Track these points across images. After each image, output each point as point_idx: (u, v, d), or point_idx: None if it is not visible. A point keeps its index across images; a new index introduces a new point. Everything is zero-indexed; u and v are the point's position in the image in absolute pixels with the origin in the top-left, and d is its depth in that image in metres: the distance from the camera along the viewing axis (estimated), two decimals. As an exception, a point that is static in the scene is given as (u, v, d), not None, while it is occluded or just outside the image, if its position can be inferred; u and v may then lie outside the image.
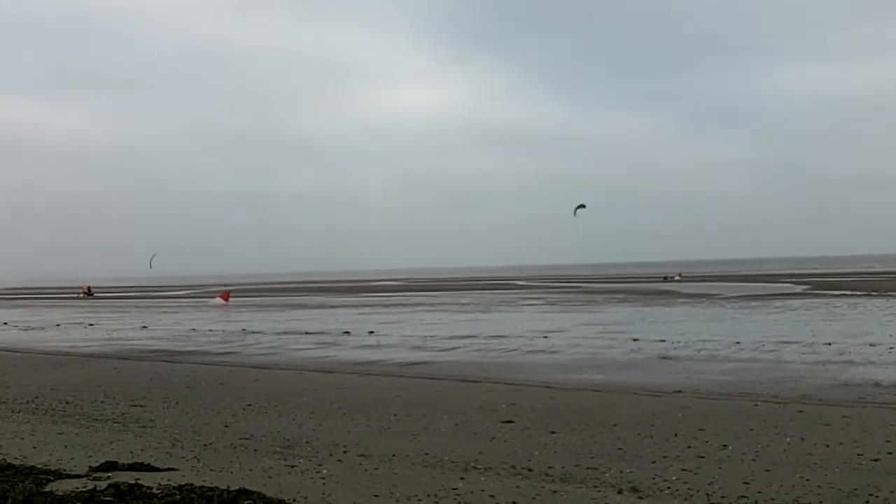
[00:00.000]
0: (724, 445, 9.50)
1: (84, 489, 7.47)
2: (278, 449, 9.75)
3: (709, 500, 7.28)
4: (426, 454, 9.35)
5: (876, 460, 8.63)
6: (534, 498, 7.40)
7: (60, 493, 7.30)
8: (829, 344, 21.81)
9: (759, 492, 7.47)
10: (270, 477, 8.24)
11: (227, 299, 61.52)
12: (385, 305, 53.18)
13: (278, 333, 30.46)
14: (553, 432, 10.50)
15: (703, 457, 8.95)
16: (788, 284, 71.73)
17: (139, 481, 7.73)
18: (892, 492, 7.40)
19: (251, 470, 8.60)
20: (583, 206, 60.29)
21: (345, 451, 9.54)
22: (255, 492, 7.37)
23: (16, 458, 9.05)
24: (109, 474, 8.21)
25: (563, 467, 8.58)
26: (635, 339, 24.34)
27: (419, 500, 7.34)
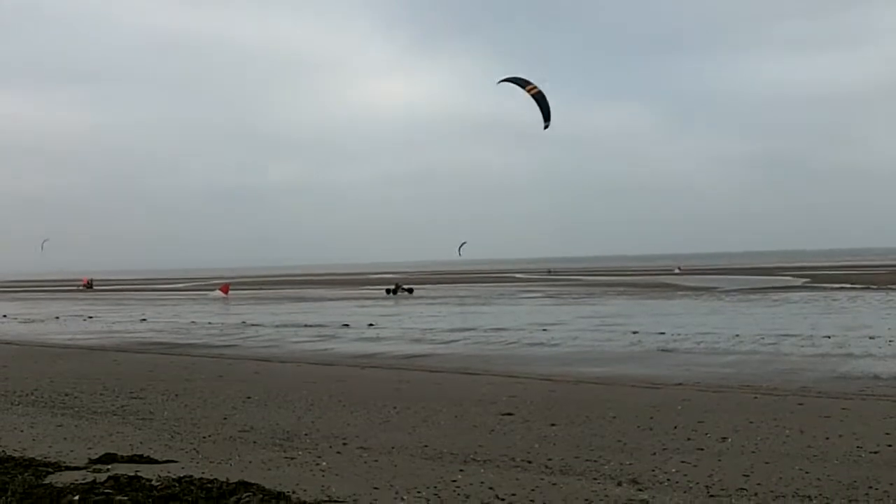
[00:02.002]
0: (724, 438, 9.50)
1: (84, 481, 7.46)
2: (277, 441, 9.74)
3: (708, 492, 7.27)
4: (426, 446, 9.34)
5: (875, 452, 8.63)
6: (533, 490, 7.39)
7: (60, 485, 7.29)
8: (829, 337, 21.83)
9: (758, 484, 7.46)
10: (269, 469, 8.24)
11: (226, 292, 61.52)
12: (385, 298, 53.18)
13: (277, 326, 30.47)
14: (553, 424, 10.50)
15: (702, 449, 8.95)
16: (787, 277, 71.81)
17: (138, 473, 7.72)
18: (891, 484, 7.40)
19: (250, 462, 8.60)
20: (464, 243, 66.04)
21: (344, 444, 9.54)
22: (254, 484, 7.37)
23: (15, 450, 9.04)
24: (109, 466, 8.21)
25: (562, 459, 8.57)
26: (635, 332, 24.34)
27: (419, 493, 7.33)
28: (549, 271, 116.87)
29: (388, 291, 58.46)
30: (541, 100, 21.54)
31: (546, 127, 21.71)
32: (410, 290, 58.38)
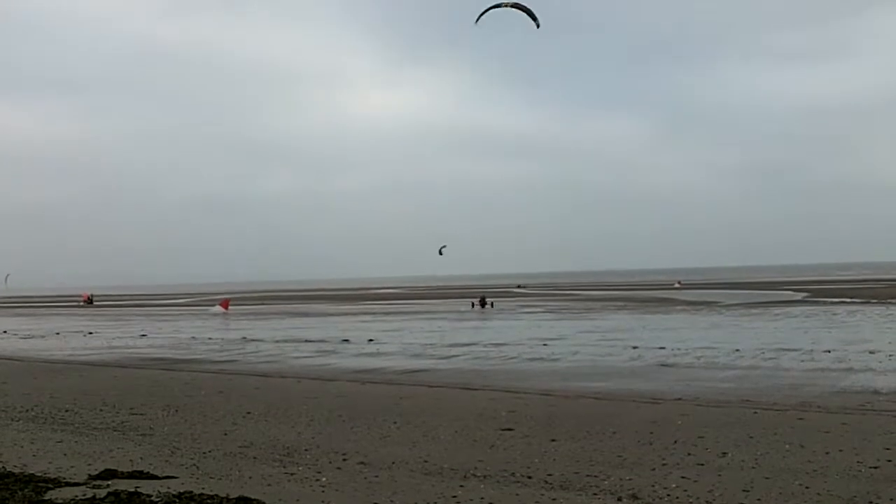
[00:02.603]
0: (724, 453, 9.50)
1: (83, 497, 7.47)
2: (278, 457, 9.74)
3: (708, 507, 7.27)
4: (426, 462, 9.34)
5: (875, 468, 8.63)
6: (533, 505, 7.39)
7: (60, 501, 7.30)
8: (829, 351, 21.82)
9: (758, 499, 7.46)
10: (270, 485, 8.24)
11: (226, 307, 61.51)
12: (384, 313, 53.17)
13: (278, 341, 30.45)
14: (553, 440, 10.50)
15: (702, 464, 8.95)
16: (788, 292, 71.80)
17: (138, 489, 7.73)
18: (891, 499, 7.40)
19: (250, 477, 8.59)
20: (444, 246, 68.34)
21: (344, 459, 9.54)
22: (254, 499, 7.38)
23: (15, 466, 9.04)
24: (109, 482, 8.21)
25: (562, 475, 8.57)
26: (635, 347, 24.34)
27: (419, 508, 7.32)
28: (519, 286, 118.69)
29: (472, 305, 60.05)
30: (521, 6, 22.01)
31: (538, 26, 22.22)
32: (492, 304, 60.03)
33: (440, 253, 69.33)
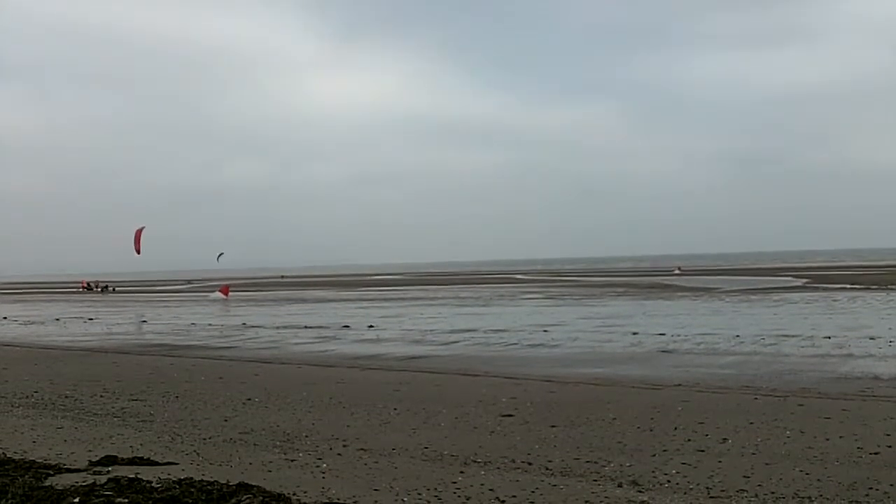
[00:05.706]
0: (724, 439, 9.50)
1: (84, 483, 7.46)
2: (278, 443, 9.74)
3: (708, 493, 7.28)
4: (426, 448, 9.34)
5: (875, 454, 8.63)
6: (533, 491, 7.40)
7: (60, 488, 7.29)
8: (829, 337, 21.83)
9: (758, 485, 7.47)
10: (270, 471, 8.25)
11: (226, 293, 61.51)
12: (384, 300, 53.20)
13: (278, 328, 30.47)
14: (553, 426, 10.51)
15: (702, 450, 8.95)
16: (788, 278, 71.82)
17: (139, 475, 7.73)
18: (891, 485, 7.40)
19: (251, 464, 8.60)
20: (222, 253, 72.03)
21: (344, 445, 9.54)
22: (254, 486, 7.37)
23: (15, 453, 9.05)
24: (109, 468, 8.22)
25: (562, 461, 8.58)
26: (635, 333, 24.36)
27: (419, 494, 7.33)
28: (282, 276, 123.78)
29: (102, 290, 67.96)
30: None
31: None
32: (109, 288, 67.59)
33: (217, 260, 73.35)
